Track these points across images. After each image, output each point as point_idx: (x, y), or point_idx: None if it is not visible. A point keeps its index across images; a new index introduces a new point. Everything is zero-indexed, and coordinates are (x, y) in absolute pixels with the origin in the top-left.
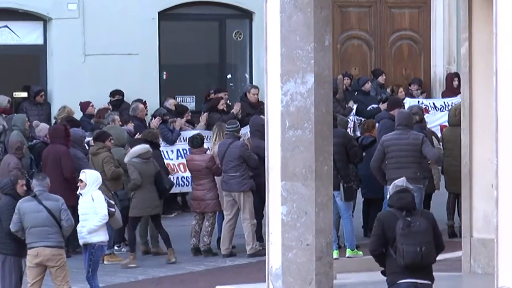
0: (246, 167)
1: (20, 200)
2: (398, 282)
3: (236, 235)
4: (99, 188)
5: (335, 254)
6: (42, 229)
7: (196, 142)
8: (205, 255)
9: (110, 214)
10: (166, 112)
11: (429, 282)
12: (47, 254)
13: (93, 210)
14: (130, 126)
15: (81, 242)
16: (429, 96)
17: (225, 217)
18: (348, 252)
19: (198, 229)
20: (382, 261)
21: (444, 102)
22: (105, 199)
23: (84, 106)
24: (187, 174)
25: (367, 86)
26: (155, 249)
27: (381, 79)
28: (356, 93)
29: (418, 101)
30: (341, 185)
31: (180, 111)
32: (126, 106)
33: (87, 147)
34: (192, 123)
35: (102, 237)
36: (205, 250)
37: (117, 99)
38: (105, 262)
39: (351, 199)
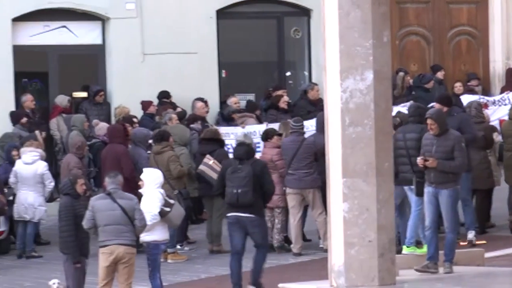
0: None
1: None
2: (227, 215)
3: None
4: (162, 187)
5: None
6: (116, 227)
7: (269, 135)
8: (278, 252)
9: (162, 214)
10: (235, 109)
11: (251, 215)
12: (121, 252)
13: (148, 209)
14: (197, 125)
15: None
16: (488, 90)
17: (293, 215)
18: (405, 249)
19: (270, 225)
20: (223, 197)
21: (502, 97)
22: (162, 198)
23: (146, 105)
24: None
25: (431, 83)
26: (218, 248)
27: (440, 74)
28: (413, 91)
29: (479, 98)
30: (413, 179)
31: (251, 108)
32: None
33: None
34: (260, 120)
35: (155, 236)
36: (279, 246)
37: (171, 101)
38: (168, 260)
39: (421, 194)
